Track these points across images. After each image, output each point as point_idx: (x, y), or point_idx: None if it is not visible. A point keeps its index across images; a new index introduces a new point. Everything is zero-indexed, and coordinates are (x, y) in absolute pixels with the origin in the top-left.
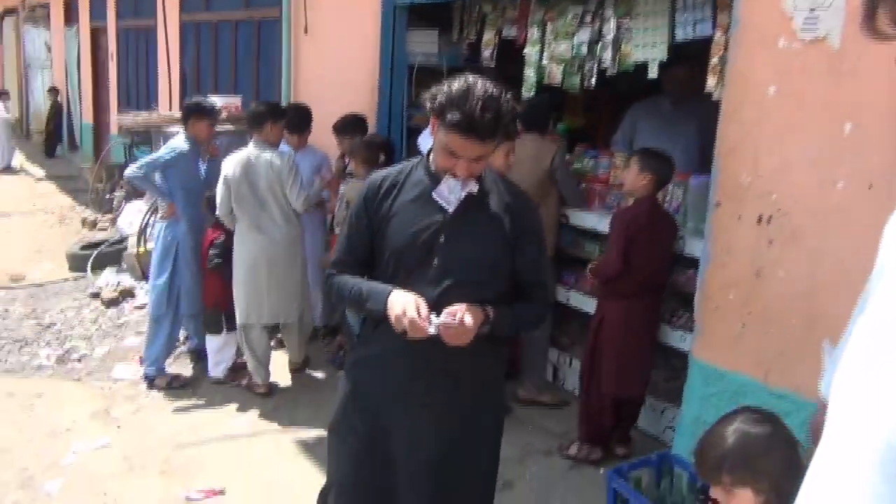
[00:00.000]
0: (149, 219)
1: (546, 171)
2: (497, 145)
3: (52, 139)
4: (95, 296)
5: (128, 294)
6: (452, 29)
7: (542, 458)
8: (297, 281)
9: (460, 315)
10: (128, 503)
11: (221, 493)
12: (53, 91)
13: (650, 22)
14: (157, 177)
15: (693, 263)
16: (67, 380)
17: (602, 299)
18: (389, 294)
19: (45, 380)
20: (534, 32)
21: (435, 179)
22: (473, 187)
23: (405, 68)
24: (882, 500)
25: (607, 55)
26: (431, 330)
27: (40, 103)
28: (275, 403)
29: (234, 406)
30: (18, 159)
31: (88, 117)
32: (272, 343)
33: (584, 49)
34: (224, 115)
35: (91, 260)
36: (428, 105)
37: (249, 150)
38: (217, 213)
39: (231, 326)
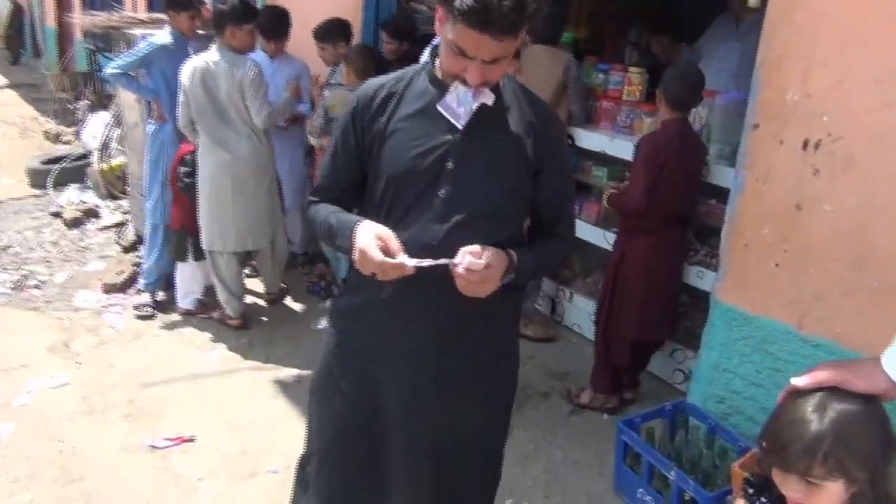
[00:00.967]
0: (111, 132)
1: (558, 83)
2: (518, 45)
3: (14, 45)
4: (57, 215)
5: (92, 214)
6: None
7: (541, 401)
8: (264, 204)
9: (487, 257)
10: (86, 453)
11: (190, 440)
12: None
13: None
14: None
15: (716, 192)
16: (24, 309)
17: (622, 234)
18: (355, 227)
19: None
20: None
21: (442, 89)
22: (488, 98)
23: None
24: None
25: None
26: (410, 265)
27: (1, 6)
28: (249, 338)
29: (205, 340)
30: None
31: (51, 20)
32: (247, 271)
33: None
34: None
35: (52, 176)
36: None
37: (209, 56)
38: (178, 124)
39: (200, 254)
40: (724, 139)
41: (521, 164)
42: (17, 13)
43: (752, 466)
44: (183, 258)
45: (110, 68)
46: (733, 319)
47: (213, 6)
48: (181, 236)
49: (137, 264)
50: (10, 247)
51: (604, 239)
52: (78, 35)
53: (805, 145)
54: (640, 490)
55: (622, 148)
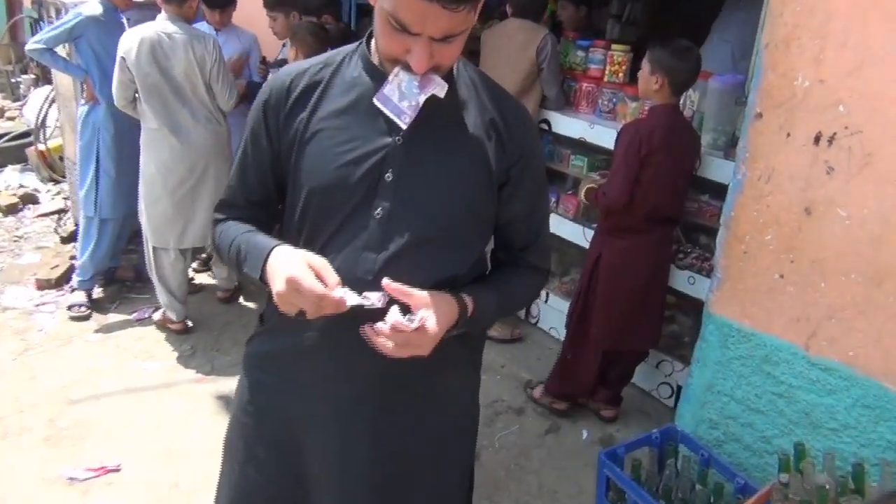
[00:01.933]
0: (48, 109)
1: (531, 62)
2: (475, 18)
3: None
4: None
5: (30, 200)
6: None
7: (513, 418)
8: None
9: (419, 320)
10: None
11: (115, 470)
12: None
13: None
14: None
15: (708, 188)
16: None
17: (600, 233)
18: (269, 253)
19: None
20: None
21: (379, 77)
22: (439, 89)
23: None
24: None
25: None
26: (352, 303)
27: None
28: (193, 343)
29: (142, 347)
30: None
31: None
32: (194, 265)
33: None
34: None
35: None
36: None
37: (160, 26)
38: (115, 102)
39: None
40: (719, 128)
41: (480, 175)
42: None
43: None
44: None
45: (31, 43)
46: (729, 336)
47: None
48: None
49: (75, 256)
50: None
51: (583, 236)
52: (26, 2)
53: (817, 139)
54: None
55: (603, 135)
